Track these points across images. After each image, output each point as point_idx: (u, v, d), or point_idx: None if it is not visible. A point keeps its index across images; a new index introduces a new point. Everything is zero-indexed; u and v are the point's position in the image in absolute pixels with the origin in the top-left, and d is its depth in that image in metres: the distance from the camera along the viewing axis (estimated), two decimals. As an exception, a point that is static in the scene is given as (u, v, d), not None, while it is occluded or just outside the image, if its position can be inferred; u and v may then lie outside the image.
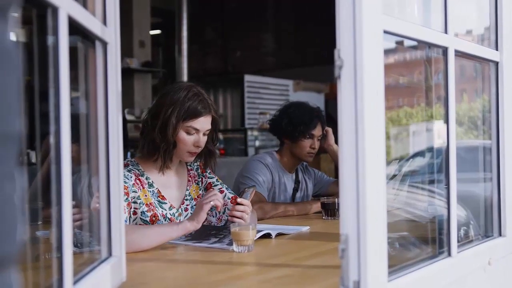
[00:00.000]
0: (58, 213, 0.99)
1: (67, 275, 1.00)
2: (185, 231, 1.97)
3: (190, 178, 2.37)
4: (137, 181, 2.17)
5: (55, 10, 0.98)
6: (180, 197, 2.31)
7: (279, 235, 2.18)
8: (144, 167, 2.25)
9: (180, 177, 2.35)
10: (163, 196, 2.24)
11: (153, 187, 2.23)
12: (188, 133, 2.19)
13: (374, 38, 1.18)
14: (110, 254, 1.36)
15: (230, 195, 2.36)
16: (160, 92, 2.29)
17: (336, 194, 2.94)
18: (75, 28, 1.09)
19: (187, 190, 2.35)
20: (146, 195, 2.18)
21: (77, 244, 1.34)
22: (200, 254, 1.87)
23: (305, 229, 2.34)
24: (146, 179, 2.22)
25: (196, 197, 2.36)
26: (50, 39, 0.99)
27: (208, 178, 2.41)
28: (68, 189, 1.00)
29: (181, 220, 2.24)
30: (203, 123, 2.20)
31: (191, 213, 2.29)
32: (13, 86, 0.55)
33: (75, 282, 1.07)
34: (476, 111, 2.04)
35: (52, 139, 1.00)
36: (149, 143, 2.20)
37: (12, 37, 0.57)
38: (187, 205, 2.32)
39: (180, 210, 2.28)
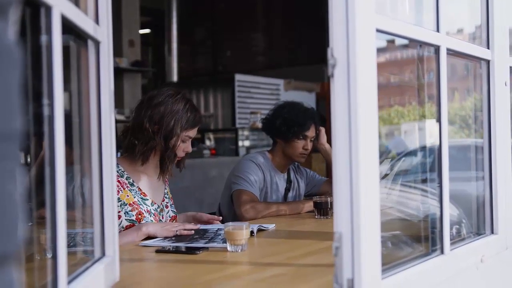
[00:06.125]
0: (52, 214, 0.99)
1: (62, 275, 0.99)
2: (145, 234, 2.10)
3: (166, 179, 2.46)
4: (117, 182, 2.18)
5: (48, 9, 0.97)
6: (160, 195, 2.40)
7: (258, 231, 2.22)
8: (126, 167, 2.27)
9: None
10: (144, 193, 2.30)
11: (134, 186, 2.28)
12: (184, 141, 2.28)
13: (367, 37, 1.18)
14: (103, 254, 1.35)
15: (172, 214, 2.44)
16: (150, 98, 2.28)
17: (328, 193, 2.95)
18: (67, 27, 1.08)
19: (165, 189, 2.45)
20: (128, 195, 2.23)
21: (69, 244, 1.34)
22: (193, 254, 1.87)
23: (271, 227, 2.36)
24: (126, 179, 2.27)
25: (170, 197, 2.47)
26: (43, 38, 0.99)
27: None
28: (62, 189, 0.99)
29: (164, 216, 2.36)
30: (196, 131, 2.33)
31: (171, 210, 2.42)
32: (14, 84, 0.55)
33: (69, 282, 1.06)
34: (467, 109, 2.05)
35: (45, 140, 0.99)
36: (149, 150, 2.25)
37: (12, 35, 0.57)
38: (167, 202, 2.42)
39: (161, 206, 2.37)
